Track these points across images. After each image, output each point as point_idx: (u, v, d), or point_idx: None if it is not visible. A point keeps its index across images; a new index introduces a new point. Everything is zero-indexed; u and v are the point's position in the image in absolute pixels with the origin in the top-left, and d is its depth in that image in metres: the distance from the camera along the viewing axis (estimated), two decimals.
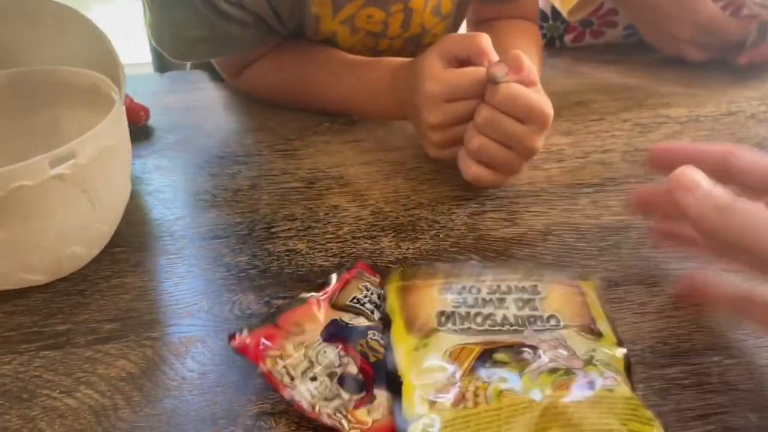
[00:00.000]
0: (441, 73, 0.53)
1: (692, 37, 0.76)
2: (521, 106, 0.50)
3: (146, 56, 1.12)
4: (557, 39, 0.94)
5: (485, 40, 0.52)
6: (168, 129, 0.68)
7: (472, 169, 0.54)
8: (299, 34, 0.69)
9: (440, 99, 0.53)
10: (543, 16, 0.92)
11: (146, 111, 0.68)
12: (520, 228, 0.53)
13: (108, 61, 0.53)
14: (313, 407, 0.36)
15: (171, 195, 0.57)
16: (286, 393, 0.36)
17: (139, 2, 0.81)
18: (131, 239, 0.52)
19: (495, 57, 0.52)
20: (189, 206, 0.56)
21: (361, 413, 0.36)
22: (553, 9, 0.90)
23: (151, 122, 0.69)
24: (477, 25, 0.76)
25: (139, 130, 0.67)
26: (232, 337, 0.39)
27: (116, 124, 0.45)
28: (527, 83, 0.51)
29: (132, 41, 1.52)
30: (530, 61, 0.55)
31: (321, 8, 0.65)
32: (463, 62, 0.53)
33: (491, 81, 0.51)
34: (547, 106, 0.51)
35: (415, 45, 0.73)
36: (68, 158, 0.40)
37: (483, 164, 0.53)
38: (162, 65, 1.09)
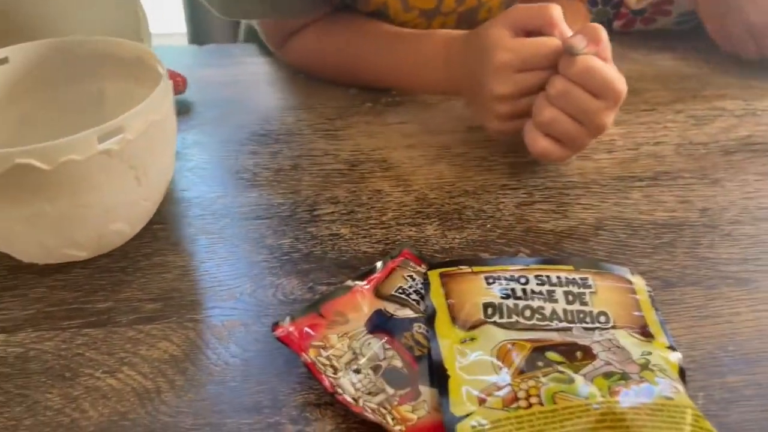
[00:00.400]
0: (511, 41, 0.51)
1: (747, 34, 0.73)
2: (598, 79, 0.49)
3: (181, 26, 1.11)
4: (606, 24, 0.90)
5: (557, 11, 0.51)
6: (207, 104, 0.67)
7: (541, 143, 0.52)
8: (348, 5, 0.67)
9: (511, 68, 0.51)
10: (592, 1, 0.89)
11: (184, 80, 0.66)
12: (570, 221, 0.51)
13: (136, 30, 0.52)
14: (357, 401, 0.35)
15: (211, 172, 0.56)
16: (329, 385, 0.36)
17: None
18: (171, 216, 0.51)
19: (567, 29, 0.51)
20: (229, 184, 0.55)
21: (406, 409, 0.35)
22: None
23: (189, 96, 0.68)
24: None
25: (177, 102, 0.66)
26: (275, 326, 0.38)
27: (163, 98, 0.44)
28: (604, 58, 0.50)
29: (166, 10, 1.50)
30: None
31: None
32: (531, 33, 0.52)
33: (568, 52, 0.49)
34: (622, 83, 0.50)
35: (468, 23, 0.71)
36: (116, 133, 0.39)
37: (551, 138, 0.52)
38: (197, 35, 1.08)
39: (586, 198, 0.54)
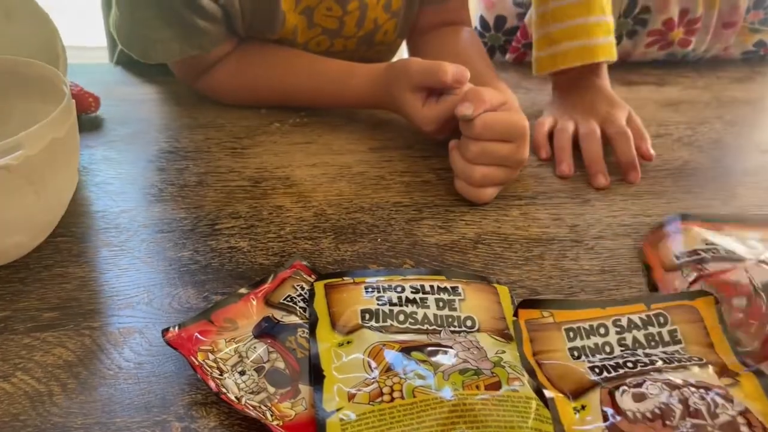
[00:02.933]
0: (424, 114, 0.61)
1: None
2: (499, 129, 0.57)
3: (102, 39, 1.12)
4: (497, 49, 0.97)
5: (447, 72, 0.59)
6: (119, 121, 0.69)
7: (485, 195, 0.59)
8: (254, 35, 0.71)
9: (432, 129, 0.62)
10: (485, 26, 0.95)
11: (96, 100, 0.68)
12: (453, 235, 0.56)
13: (54, 48, 0.54)
14: (240, 399, 0.38)
15: (118, 187, 0.59)
16: (215, 385, 0.39)
17: None
18: (75, 229, 0.53)
19: (461, 84, 0.59)
20: (135, 199, 0.57)
21: (285, 406, 0.39)
22: (496, 18, 0.93)
23: (102, 113, 0.69)
24: (422, 35, 0.79)
25: (89, 120, 0.68)
26: (165, 331, 0.41)
27: (66, 117, 0.46)
28: (495, 106, 0.58)
29: (87, 22, 1.49)
30: (487, 70, 0.68)
31: (286, 3, 0.68)
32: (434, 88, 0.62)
33: (464, 120, 0.57)
34: (522, 120, 0.59)
35: (367, 44, 0.76)
36: (15, 149, 0.42)
37: (487, 187, 0.59)
38: (116, 46, 1.09)
39: (470, 215, 0.59)
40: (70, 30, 0.66)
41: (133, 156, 0.64)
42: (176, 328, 0.41)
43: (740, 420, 0.38)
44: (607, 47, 0.72)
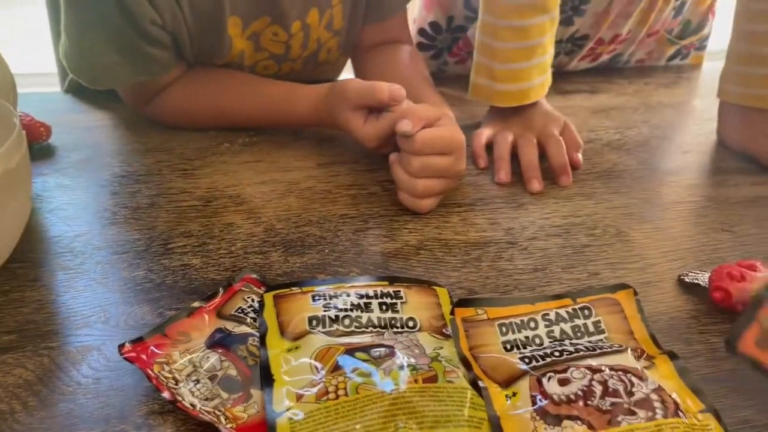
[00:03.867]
0: (366, 131, 0.65)
1: None
2: (438, 144, 0.61)
3: (52, 65, 1.13)
4: (445, 50, 1.01)
5: (383, 91, 0.63)
6: (70, 148, 0.71)
7: (427, 205, 0.63)
8: (202, 60, 0.73)
9: (375, 145, 0.66)
10: (437, 29, 0.99)
11: (47, 129, 0.70)
12: (397, 243, 0.59)
13: (4, 80, 0.56)
14: (194, 406, 0.41)
15: (72, 212, 0.60)
16: (171, 395, 0.41)
17: (43, 7, 0.83)
18: (30, 255, 0.55)
19: (398, 102, 0.63)
20: (89, 223, 0.59)
21: (238, 410, 0.41)
22: (448, 20, 0.97)
23: (54, 141, 0.71)
24: (364, 53, 0.83)
25: (41, 149, 0.70)
26: (121, 346, 0.43)
27: (16, 148, 0.48)
28: (432, 122, 0.61)
29: (37, 48, 1.49)
30: (425, 86, 0.72)
31: (234, 28, 0.71)
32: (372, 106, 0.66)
33: (403, 136, 0.61)
34: (458, 134, 0.63)
35: (312, 64, 0.80)
36: None
37: (427, 196, 0.63)
38: (66, 75, 1.10)
39: (412, 223, 0.62)
40: (21, 56, 0.67)
41: (86, 181, 0.65)
42: (132, 343, 0.44)
43: (653, 396, 0.42)
44: (541, 87, 0.77)
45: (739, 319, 0.46)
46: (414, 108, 0.62)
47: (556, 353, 0.46)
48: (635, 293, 0.51)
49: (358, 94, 0.64)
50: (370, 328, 0.47)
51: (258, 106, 0.73)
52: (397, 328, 0.47)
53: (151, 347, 0.44)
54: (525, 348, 0.47)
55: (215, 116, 0.74)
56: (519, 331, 0.48)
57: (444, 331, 0.48)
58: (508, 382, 0.44)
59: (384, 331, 0.47)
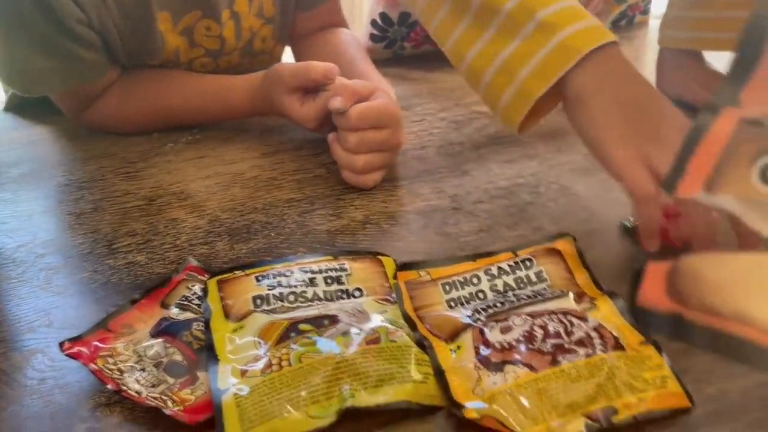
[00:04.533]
0: (304, 113, 0.65)
1: None
2: (373, 117, 0.61)
3: None
4: (399, 40, 1.01)
5: (316, 70, 0.63)
6: (11, 164, 0.70)
7: (371, 180, 0.63)
8: (137, 62, 0.73)
9: (314, 125, 0.66)
10: (388, 22, 0.99)
11: None
12: (343, 220, 0.60)
13: None
14: (140, 393, 0.41)
15: (14, 225, 0.60)
16: (115, 385, 0.41)
17: None
18: None
19: (332, 79, 0.63)
20: (32, 233, 0.59)
21: (185, 393, 0.41)
22: (400, 15, 0.97)
23: None
24: (302, 41, 0.83)
25: None
26: (62, 344, 0.43)
27: None
28: (365, 96, 0.62)
29: None
30: (365, 65, 0.72)
31: (165, 24, 0.70)
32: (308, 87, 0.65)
33: (337, 113, 0.61)
34: (392, 106, 0.63)
35: (249, 56, 0.80)
36: None
37: (368, 171, 0.63)
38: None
39: (359, 200, 0.63)
40: None
41: (28, 194, 0.65)
42: (72, 340, 0.43)
43: (593, 334, 0.43)
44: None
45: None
46: (346, 84, 0.62)
47: (498, 304, 0.46)
48: (575, 240, 0.52)
49: (292, 75, 0.64)
50: (316, 302, 0.47)
51: (196, 102, 0.73)
52: (344, 299, 0.48)
53: (94, 342, 0.44)
54: (469, 303, 0.47)
55: (154, 118, 0.74)
56: (462, 288, 0.48)
57: (390, 297, 0.48)
58: (453, 336, 0.44)
59: (330, 303, 0.47)
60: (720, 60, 0.79)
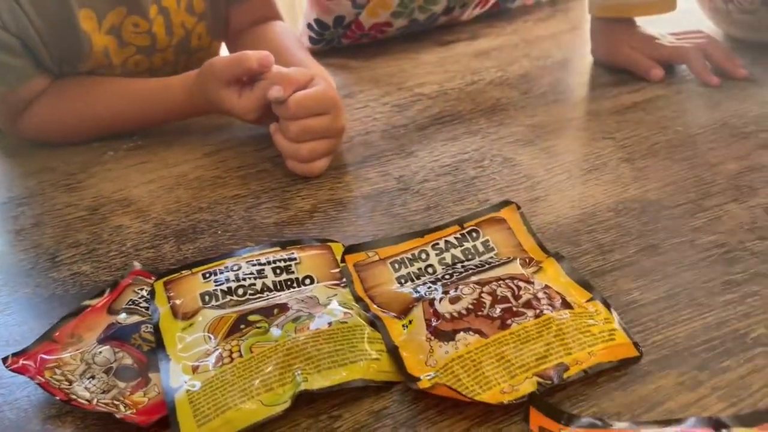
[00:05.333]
0: (242, 105, 0.63)
1: None
2: (312, 105, 0.61)
3: None
4: (337, 38, 1.01)
5: (250, 59, 0.62)
6: None
7: (317, 168, 0.63)
8: (68, 68, 0.71)
9: (255, 117, 0.64)
10: (323, 26, 0.98)
11: None
12: (290, 211, 0.59)
13: None
14: (91, 401, 0.40)
15: None
16: (64, 395, 0.40)
17: None
18: None
19: (267, 67, 0.62)
20: None
21: (138, 396, 0.40)
22: (335, 18, 0.96)
23: None
24: (238, 36, 0.82)
25: None
26: (5, 360, 0.42)
27: None
28: (304, 84, 0.61)
29: None
30: (302, 54, 0.72)
31: (88, 22, 0.69)
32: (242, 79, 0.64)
33: (277, 102, 0.60)
34: (331, 91, 0.63)
35: (186, 53, 0.78)
36: None
37: (313, 159, 0.63)
38: None
39: (306, 190, 0.62)
40: None
41: None
42: (16, 355, 0.42)
43: (541, 295, 0.43)
44: None
45: None
46: (283, 72, 0.61)
47: (447, 276, 0.46)
48: (518, 207, 0.52)
49: (226, 67, 0.63)
50: (266, 293, 0.47)
51: (132, 107, 0.71)
52: (294, 287, 0.47)
53: (41, 355, 0.43)
54: (419, 279, 0.47)
55: (89, 126, 0.72)
56: (411, 265, 0.48)
57: (341, 281, 0.48)
58: (404, 312, 0.44)
59: (281, 293, 0.47)
60: (652, 24, 0.81)
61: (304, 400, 0.39)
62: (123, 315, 0.46)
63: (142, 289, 0.48)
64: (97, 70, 0.72)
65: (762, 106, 0.70)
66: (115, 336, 0.44)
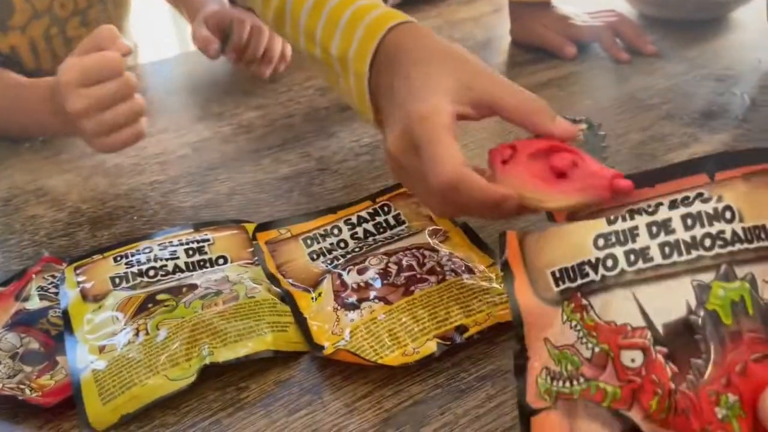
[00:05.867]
0: (70, 61, 0.56)
1: None
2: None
3: None
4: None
5: (102, 33, 0.57)
6: None
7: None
8: None
9: (76, 85, 0.55)
10: None
11: None
12: (208, 194, 0.59)
13: None
14: None
15: None
16: None
17: None
18: None
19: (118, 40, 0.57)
20: None
21: (45, 379, 0.40)
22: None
23: None
24: None
25: None
26: None
27: None
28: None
29: None
30: None
31: None
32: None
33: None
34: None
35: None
36: None
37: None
38: None
39: (225, 173, 0.62)
40: None
41: None
42: None
43: (444, 262, 0.45)
44: None
45: None
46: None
47: (357, 249, 0.48)
48: None
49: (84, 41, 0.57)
50: (178, 274, 0.47)
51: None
52: (207, 267, 0.48)
53: None
54: (330, 254, 0.48)
55: None
56: (323, 240, 0.49)
57: (254, 260, 0.48)
58: (314, 285, 0.45)
59: (193, 273, 0.47)
60: (570, 3, 0.84)
61: (213, 374, 0.40)
62: (31, 301, 0.45)
63: (51, 276, 0.48)
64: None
65: (667, 79, 0.73)
66: (22, 321, 0.44)
